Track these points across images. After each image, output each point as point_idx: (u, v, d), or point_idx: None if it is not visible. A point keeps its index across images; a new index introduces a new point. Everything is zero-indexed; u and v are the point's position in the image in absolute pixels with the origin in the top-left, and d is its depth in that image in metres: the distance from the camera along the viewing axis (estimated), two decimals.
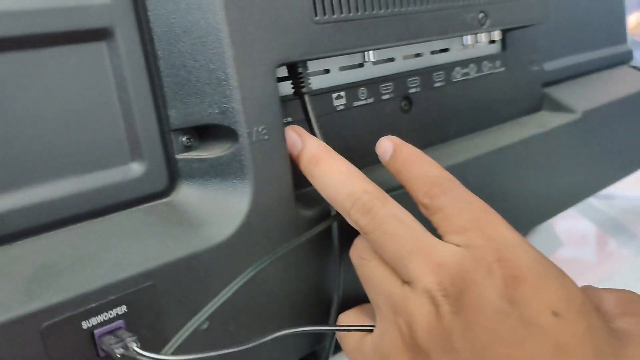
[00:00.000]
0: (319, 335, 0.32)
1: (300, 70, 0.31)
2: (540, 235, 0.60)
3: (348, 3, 0.31)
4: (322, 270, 0.31)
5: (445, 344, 0.24)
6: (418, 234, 0.26)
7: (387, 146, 0.30)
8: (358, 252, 0.29)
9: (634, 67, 0.59)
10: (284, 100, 0.31)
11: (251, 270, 0.27)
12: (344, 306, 0.31)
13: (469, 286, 0.24)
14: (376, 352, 0.27)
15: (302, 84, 0.31)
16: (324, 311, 0.32)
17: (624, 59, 0.59)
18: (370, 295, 0.28)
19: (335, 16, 0.31)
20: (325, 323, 0.32)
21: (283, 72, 0.32)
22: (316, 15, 0.30)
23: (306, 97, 0.31)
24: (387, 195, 0.28)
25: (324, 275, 0.31)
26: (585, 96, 0.50)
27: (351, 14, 0.31)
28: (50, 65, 0.26)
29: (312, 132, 0.31)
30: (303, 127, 0.31)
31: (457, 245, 0.25)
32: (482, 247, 0.25)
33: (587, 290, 0.27)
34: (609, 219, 0.63)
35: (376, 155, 0.31)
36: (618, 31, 0.59)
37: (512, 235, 0.26)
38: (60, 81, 0.26)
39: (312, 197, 0.31)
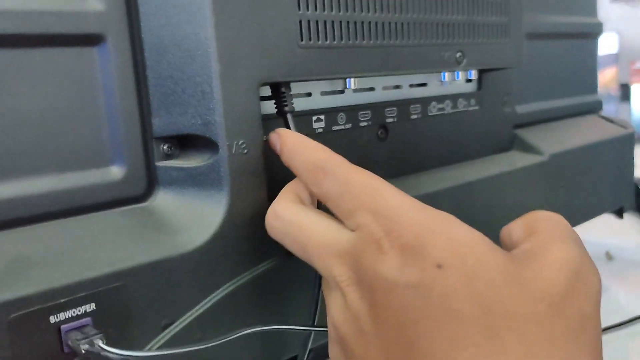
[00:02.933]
0: (290, 343, 0.32)
1: (283, 90, 0.32)
2: None
3: (333, 31, 0.33)
4: (291, 282, 0.32)
5: (357, 329, 0.24)
6: (317, 234, 0.26)
7: (275, 140, 0.30)
8: None
9: (603, 117, 0.61)
10: (267, 118, 0.33)
11: (229, 285, 0.28)
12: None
13: (364, 267, 0.24)
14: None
15: (285, 104, 0.32)
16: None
17: (594, 108, 0.62)
18: None
19: (320, 42, 0.32)
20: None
21: (267, 91, 0.33)
22: (302, 40, 0.31)
23: (289, 117, 0.32)
24: (290, 201, 0.28)
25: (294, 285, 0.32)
26: (554, 140, 0.52)
27: (335, 42, 0.33)
28: (41, 65, 0.27)
29: None
30: None
31: (352, 230, 0.25)
32: (369, 225, 0.24)
33: (502, 231, 0.27)
34: None
35: None
36: (589, 81, 0.62)
37: (397, 202, 0.25)
38: (49, 81, 0.27)
39: None
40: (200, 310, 0.26)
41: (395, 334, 0.23)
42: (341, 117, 0.38)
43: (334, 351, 0.26)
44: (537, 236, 0.25)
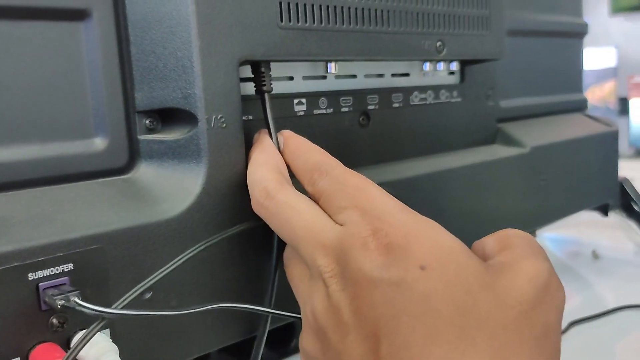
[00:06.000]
0: (257, 321, 0.33)
1: (263, 70, 0.33)
2: None
3: (313, 14, 0.34)
4: (266, 258, 0.33)
5: (336, 319, 0.25)
6: (308, 219, 0.27)
7: (280, 140, 0.32)
8: (286, 251, 0.31)
9: (587, 115, 0.62)
10: (248, 98, 0.34)
11: (198, 246, 0.29)
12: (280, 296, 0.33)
13: (349, 262, 0.25)
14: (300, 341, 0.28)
15: (264, 83, 0.33)
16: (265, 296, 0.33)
17: (579, 107, 0.63)
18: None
19: (299, 24, 0.33)
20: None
21: (249, 73, 0.34)
22: (282, 20, 0.33)
23: (266, 96, 0.33)
24: (284, 183, 0.29)
25: (268, 262, 0.33)
26: (536, 134, 0.53)
27: (315, 25, 0.34)
28: (27, 37, 0.28)
29: (268, 128, 0.33)
30: (262, 125, 0.33)
31: (340, 225, 0.27)
32: (357, 222, 0.26)
33: (474, 244, 0.29)
34: (554, 260, 0.66)
35: None
36: (574, 80, 0.63)
37: (386, 204, 0.27)
38: (35, 53, 0.28)
39: None
40: (170, 269, 0.27)
41: (373, 327, 0.24)
42: (322, 101, 0.39)
43: (308, 340, 0.27)
44: (511, 251, 0.26)
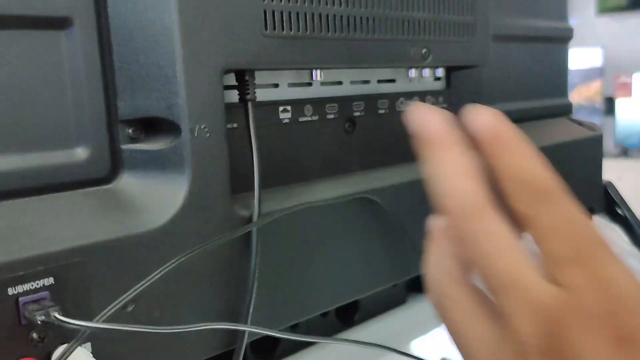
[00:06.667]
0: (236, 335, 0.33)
1: (247, 78, 0.33)
2: None
3: (298, 22, 0.34)
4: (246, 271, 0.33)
5: None
6: (516, 266, 0.21)
7: (484, 122, 0.24)
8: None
9: (572, 120, 0.63)
10: (233, 106, 0.33)
11: (180, 258, 0.29)
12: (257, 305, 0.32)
13: (565, 343, 0.20)
14: None
15: (247, 92, 0.33)
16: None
17: (564, 112, 0.64)
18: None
19: (284, 32, 0.33)
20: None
21: (233, 80, 0.34)
22: (266, 29, 0.32)
23: (249, 105, 0.33)
24: (486, 205, 0.22)
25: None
26: None
27: (300, 33, 0.34)
28: (8, 46, 0.28)
29: (250, 138, 0.33)
30: (244, 133, 0.33)
31: (559, 285, 0.20)
32: (584, 290, 0.20)
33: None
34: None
35: (316, 170, 0.33)
36: (559, 85, 0.63)
37: (626, 278, 0.20)
38: (17, 62, 0.28)
39: (251, 200, 0.33)
40: (152, 280, 0.27)
41: None
42: (308, 109, 0.39)
43: None
44: None
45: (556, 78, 0.63)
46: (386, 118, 0.44)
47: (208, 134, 0.30)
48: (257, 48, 0.32)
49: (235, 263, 0.32)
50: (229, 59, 0.31)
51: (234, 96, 0.34)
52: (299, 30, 0.34)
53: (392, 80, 0.44)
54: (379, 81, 0.44)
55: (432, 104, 0.47)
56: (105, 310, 0.26)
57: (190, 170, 0.30)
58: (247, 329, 0.31)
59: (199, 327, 0.28)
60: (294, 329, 0.43)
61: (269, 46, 0.33)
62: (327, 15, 0.35)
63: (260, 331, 0.30)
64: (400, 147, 0.45)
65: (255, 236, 0.32)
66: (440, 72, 0.47)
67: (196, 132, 0.30)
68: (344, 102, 0.41)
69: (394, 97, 0.44)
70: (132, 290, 0.27)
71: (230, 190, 0.32)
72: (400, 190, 0.41)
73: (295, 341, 0.43)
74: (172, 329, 0.27)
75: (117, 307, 0.26)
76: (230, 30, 0.31)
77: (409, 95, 0.45)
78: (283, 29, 0.33)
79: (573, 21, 0.65)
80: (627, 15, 2.88)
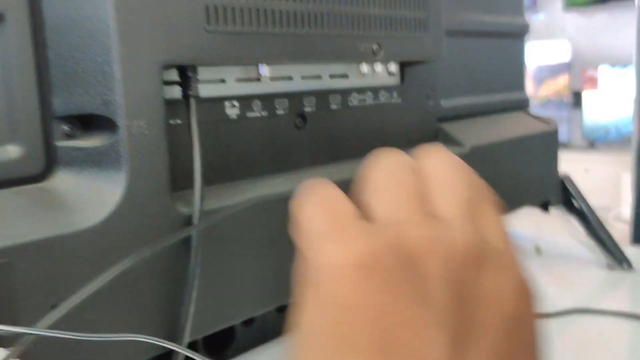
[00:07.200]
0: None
1: (189, 74, 0.32)
2: None
3: (242, 17, 0.33)
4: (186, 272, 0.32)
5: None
6: None
7: None
8: None
9: (529, 114, 0.63)
10: (176, 102, 0.33)
11: (131, 259, 0.28)
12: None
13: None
14: None
15: (190, 88, 0.32)
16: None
17: (521, 105, 0.64)
18: None
19: (228, 27, 0.33)
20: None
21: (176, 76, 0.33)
22: (209, 24, 0.32)
23: (192, 101, 0.32)
24: None
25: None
26: (477, 133, 0.53)
27: (245, 28, 0.33)
28: None
29: (191, 135, 0.32)
30: (189, 129, 0.32)
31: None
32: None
33: None
34: None
35: (265, 166, 0.32)
36: (516, 79, 0.64)
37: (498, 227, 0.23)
38: None
39: (191, 198, 0.32)
40: (99, 285, 0.26)
41: None
42: (256, 104, 0.38)
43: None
44: None
45: (513, 72, 0.63)
46: (338, 114, 0.43)
47: (147, 131, 0.30)
48: (199, 43, 0.31)
49: (174, 264, 0.32)
50: (169, 54, 0.30)
51: (177, 92, 0.33)
52: (243, 26, 0.33)
53: (345, 76, 0.44)
54: (331, 76, 0.43)
55: (386, 99, 0.47)
56: (44, 318, 0.25)
57: (127, 168, 0.29)
58: (175, 348, 0.29)
59: (131, 337, 0.27)
60: (249, 324, 0.43)
61: (212, 41, 0.32)
62: (273, 11, 0.35)
63: (196, 357, 0.28)
64: (353, 142, 0.45)
65: (195, 239, 0.31)
66: (393, 67, 0.46)
67: (134, 129, 0.29)
68: (295, 97, 0.40)
69: (346, 93, 0.44)
70: (76, 296, 0.26)
71: (169, 188, 0.31)
72: (351, 185, 0.41)
73: (252, 337, 0.43)
74: (105, 337, 0.26)
75: (61, 315, 0.25)
76: (170, 25, 0.30)
77: (362, 91, 0.45)
78: (227, 24, 0.33)
79: (541, 16, 0.65)
80: (594, 10, 2.93)
